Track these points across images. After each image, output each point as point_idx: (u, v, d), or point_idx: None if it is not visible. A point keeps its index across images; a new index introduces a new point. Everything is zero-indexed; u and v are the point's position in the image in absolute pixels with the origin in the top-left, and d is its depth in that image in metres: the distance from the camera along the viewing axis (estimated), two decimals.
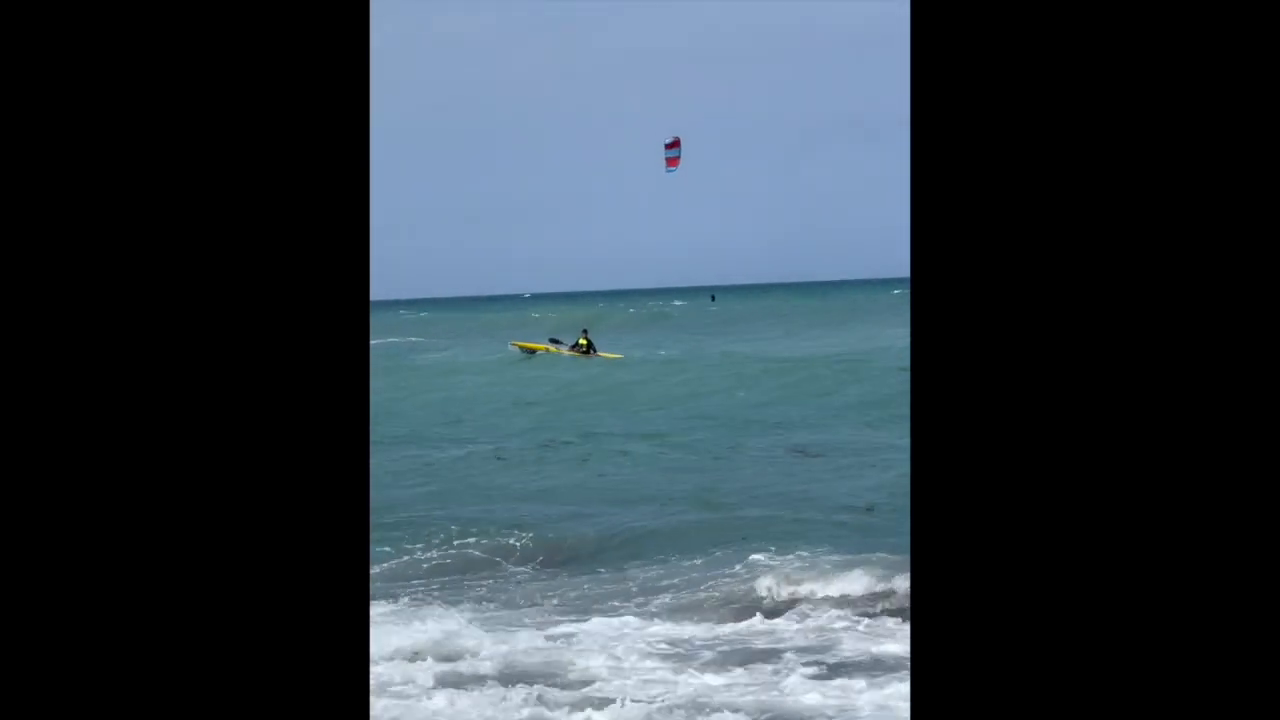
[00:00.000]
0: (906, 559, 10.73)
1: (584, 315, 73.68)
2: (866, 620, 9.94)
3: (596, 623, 9.98)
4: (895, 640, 9.26)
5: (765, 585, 10.80)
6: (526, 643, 9.37)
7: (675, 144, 34.64)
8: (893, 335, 44.31)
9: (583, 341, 37.51)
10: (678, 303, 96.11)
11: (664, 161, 34.38)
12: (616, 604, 10.69)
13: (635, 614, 10.29)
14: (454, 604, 10.81)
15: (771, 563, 11.30)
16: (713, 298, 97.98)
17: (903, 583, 10.23)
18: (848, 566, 10.92)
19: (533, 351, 37.26)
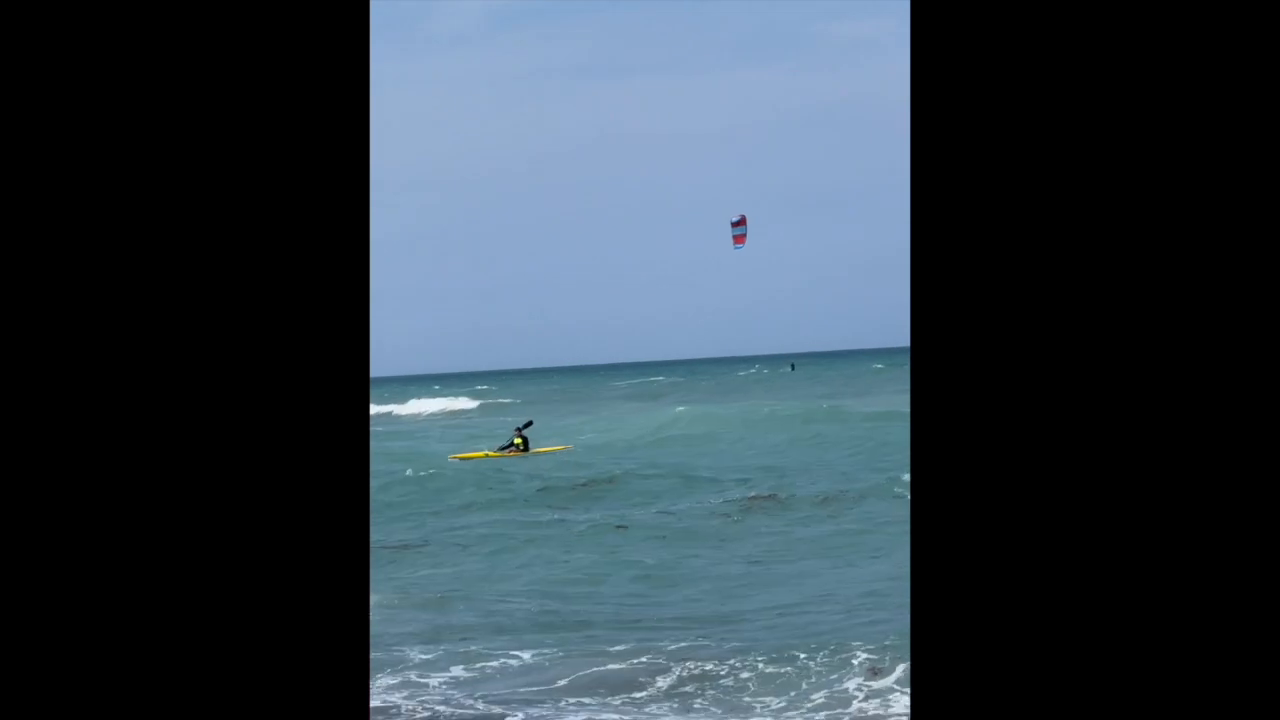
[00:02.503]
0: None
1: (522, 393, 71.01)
2: None
3: None
4: None
5: None
6: None
7: (742, 222, 33.01)
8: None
9: (517, 441, 34.08)
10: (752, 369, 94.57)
11: (731, 239, 32.59)
12: None
13: None
14: None
15: None
16: (792, 366, 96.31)
17: None
18: None
19: (469, 460, 33.17)
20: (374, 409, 76.36)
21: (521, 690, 10.17)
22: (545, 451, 34.31)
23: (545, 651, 11.22)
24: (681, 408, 46.32)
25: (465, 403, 75.09)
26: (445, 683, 10.51)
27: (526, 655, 11.14)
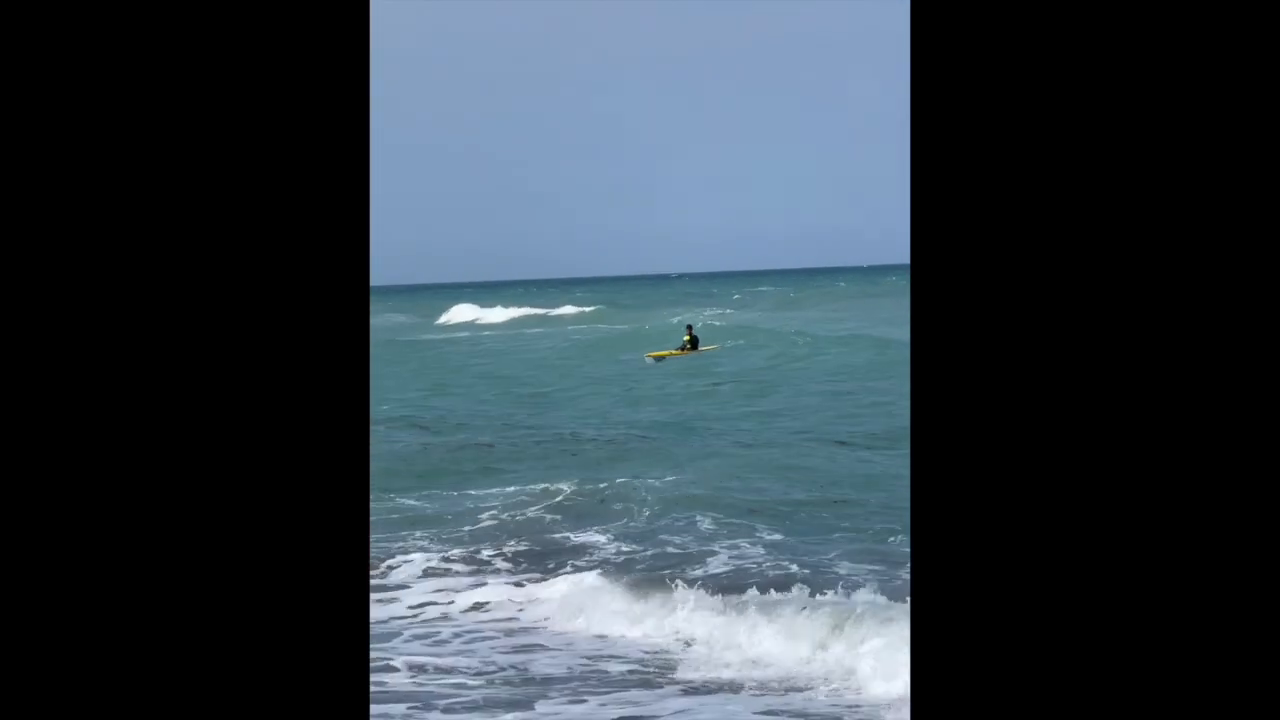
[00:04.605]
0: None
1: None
2: None
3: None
4: None
5: None
6: None
7: None
8: None
9: (687, 339, 37.56)
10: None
11: None
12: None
13: None
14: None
15: None
16: None
17: None
18: None
19: (662, 358, 36.16)
20: (443, 319, 74.80)
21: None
22: (706, 350, 36.99)
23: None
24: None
25: (558, 309, 73.36)
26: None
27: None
